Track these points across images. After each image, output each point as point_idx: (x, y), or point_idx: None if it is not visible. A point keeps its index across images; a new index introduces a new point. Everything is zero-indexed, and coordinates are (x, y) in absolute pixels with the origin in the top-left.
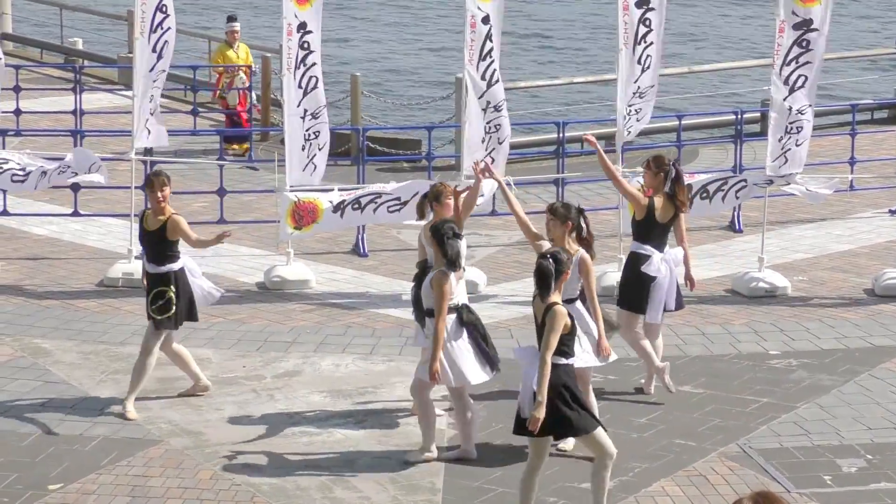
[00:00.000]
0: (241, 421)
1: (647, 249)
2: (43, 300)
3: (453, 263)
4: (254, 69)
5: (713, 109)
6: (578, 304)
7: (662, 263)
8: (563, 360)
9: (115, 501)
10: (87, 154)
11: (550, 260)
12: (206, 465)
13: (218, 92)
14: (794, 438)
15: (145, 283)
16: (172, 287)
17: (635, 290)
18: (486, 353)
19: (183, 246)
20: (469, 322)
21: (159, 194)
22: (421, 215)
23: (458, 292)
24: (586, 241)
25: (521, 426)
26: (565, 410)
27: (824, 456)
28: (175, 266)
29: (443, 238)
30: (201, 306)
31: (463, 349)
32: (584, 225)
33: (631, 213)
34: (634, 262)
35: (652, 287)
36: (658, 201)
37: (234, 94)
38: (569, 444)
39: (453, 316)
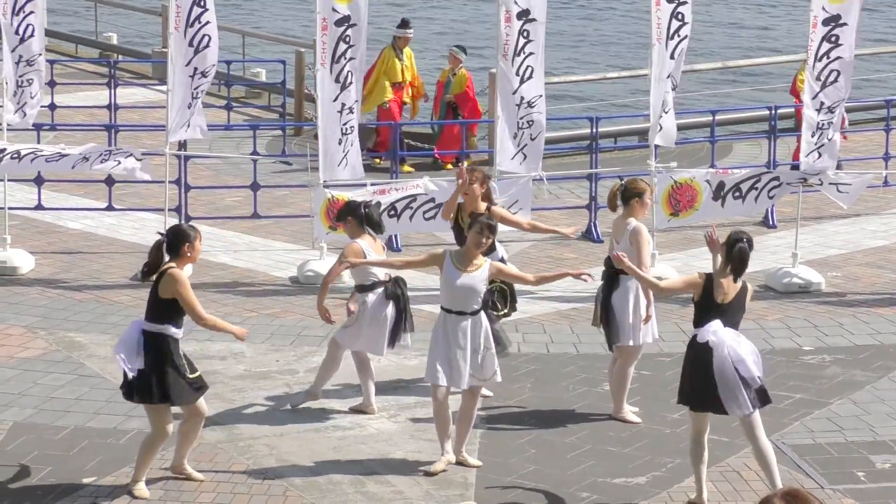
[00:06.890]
0: (274, 415)
1: None
2: (77, 294)
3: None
4: None
5: (747, 105)
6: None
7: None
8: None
9: (148, 494)
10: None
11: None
12: (240, 458)
13: None
14: (828, 434)
15: None
16: None
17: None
18: (395, 331)
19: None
20: (394, 296)
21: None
22: (612, 208)
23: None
24: None
25: None
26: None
27: (858, 452)
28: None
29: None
30: None
31: (381, 321)
32: None
33: None
34: None
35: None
36: None
37: None
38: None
39: (380, 289)
